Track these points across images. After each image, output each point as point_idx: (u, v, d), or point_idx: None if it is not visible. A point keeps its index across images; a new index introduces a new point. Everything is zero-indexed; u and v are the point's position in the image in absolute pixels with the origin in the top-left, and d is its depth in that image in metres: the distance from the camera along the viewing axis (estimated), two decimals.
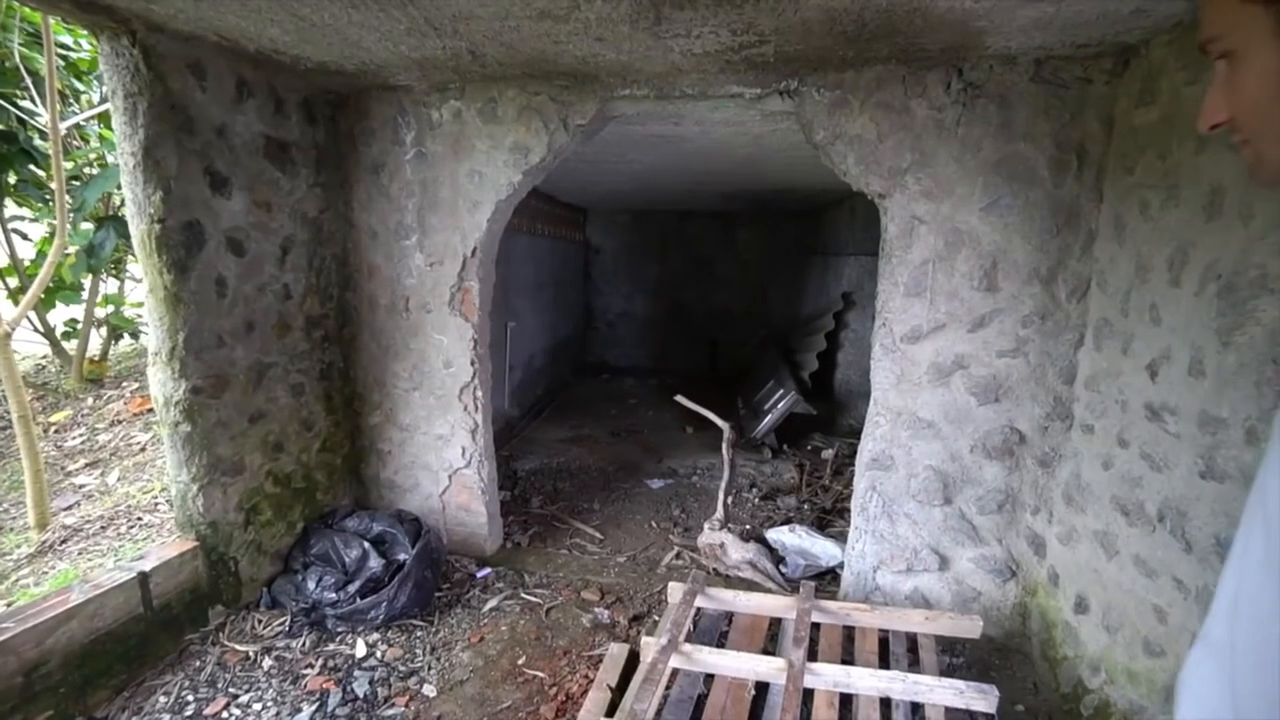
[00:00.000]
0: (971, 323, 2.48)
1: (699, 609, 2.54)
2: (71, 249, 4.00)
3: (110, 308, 5.02)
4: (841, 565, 2.96)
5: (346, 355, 3.17)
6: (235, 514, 2.60)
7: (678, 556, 3.32)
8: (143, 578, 2.26)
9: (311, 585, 2.62)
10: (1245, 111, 0.57)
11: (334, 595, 2.59)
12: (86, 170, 4.30)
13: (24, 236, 4.59)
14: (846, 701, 2.11)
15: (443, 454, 3.16)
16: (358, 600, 2.58)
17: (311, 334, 2.95)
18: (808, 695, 2.09)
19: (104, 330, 5.18)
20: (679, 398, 3.57)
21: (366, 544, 2.74)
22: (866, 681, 2.06)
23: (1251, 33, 0.54)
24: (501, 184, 2.83)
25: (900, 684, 2.04)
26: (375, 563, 2.68)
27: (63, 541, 3.30)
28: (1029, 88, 2.30)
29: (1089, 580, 2.20)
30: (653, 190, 5.86)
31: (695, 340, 8.17)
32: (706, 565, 3.16)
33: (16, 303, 4.12)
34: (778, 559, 3.15)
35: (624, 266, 8.26)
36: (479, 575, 3.07)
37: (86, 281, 4.59)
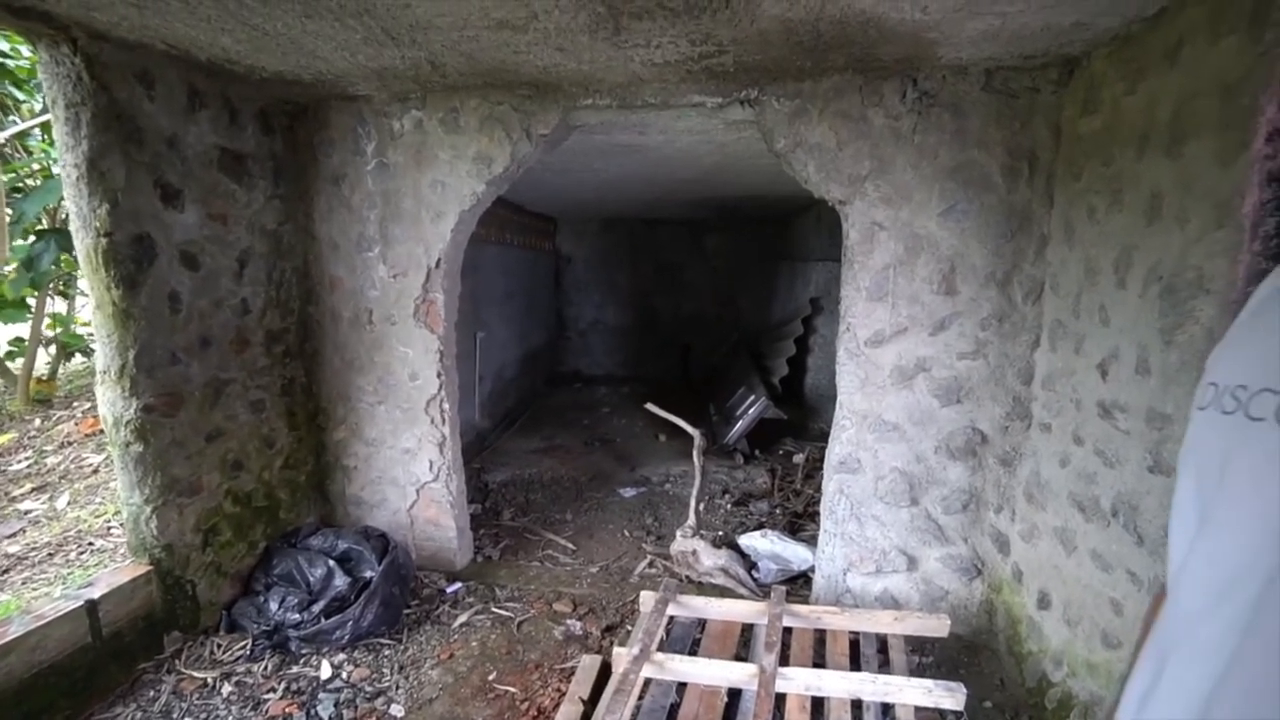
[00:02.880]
0: (932, 326, 2.53)
1: (671, 617, 2.53)
2: (10, 266, 3.84)
3: (58, 327, 4.83)
4: (813, 569, 2.98)
5: (309, 370, 3.10)
6: (192, 535, 2.51)
7: (650, 565, 3.30)
8: (91, 606, 2.16)
9: (274, 606, 2.54)
10: None
11: (297, 616, 2.51)
12: (28, 182, 4.14)
13: None
14: (819, 705, 2.12)
15: (410, 468, 3.10)
16: (322, 620, 2.51)
17: (272, 349, 2.87)
18: (780, 700, 2.09)
19: (52, 349, 4.98)
20: (650, 406, 3.57)
21: (331, 562, 2.67)
22: (837, 684, 2.08)
23: None
24: (465, 194, 2.80)
25: (871, 685, 2.06)
26: (340, 581, 2.61)
27: (4, 571, 3.14)
28: (981, 97, 2.37)
29: (1050, 576, 2.25)
30: (621, 198, 5.88)
31: (667, 347, 8.19)
32: (679, 573, 3.15)
33: None
34: (750, 564, 3.16)
35: (595, 275, 8.25)
36: (448, 590, 3.01)
37: (33, 299, 4.41)
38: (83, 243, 2.14)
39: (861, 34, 2.00)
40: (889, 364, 2.58)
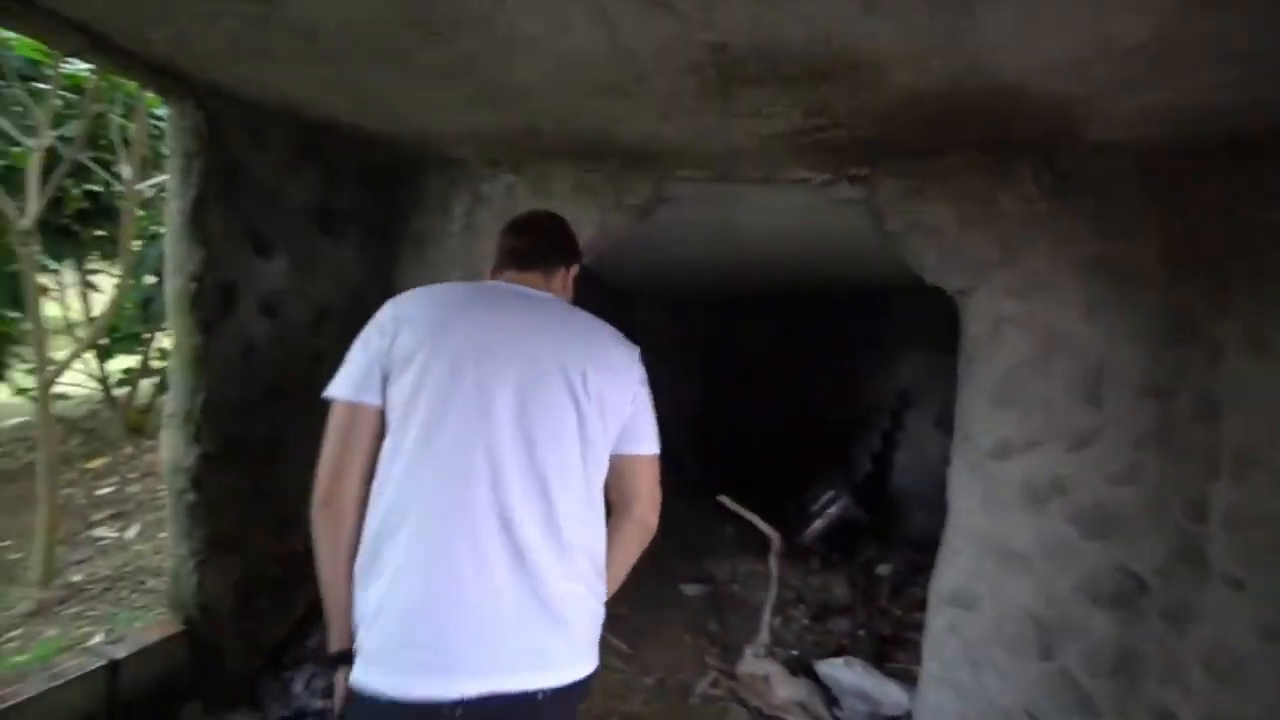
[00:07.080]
0: (1071, 440, 2.13)
1: None
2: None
3: (163, 360, 5.11)
4: (909, 715, 2.48)
5: None
6: (232, 598, 2.37)
7: (714, 684, 2.88)
8: (113, 667, 2.02)
9: (299, 688, 2.33)
10: None
11: (320, 704, 2.28)
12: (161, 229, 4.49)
13: (96, 289, 4.78)
14: None
15: None
16: None
17: None
18: None
19: (154, 381, 5.26)
20: (723, 499, 3.25)
21: None
22: None
23: None
24: None
25: None
26: None
27: (61, 601, 3.13)
28: (1133, 180, 2.07)
29: None
30: (702, 276, 5.76)
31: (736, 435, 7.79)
32: (747, 699, 2.72)
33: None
34: (830, 698, 2.69)
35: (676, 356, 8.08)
36: None
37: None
38: (173, 285, 2.16)
39: (1003, 107, 1.78)
40: (1016, 481, 2.18)
